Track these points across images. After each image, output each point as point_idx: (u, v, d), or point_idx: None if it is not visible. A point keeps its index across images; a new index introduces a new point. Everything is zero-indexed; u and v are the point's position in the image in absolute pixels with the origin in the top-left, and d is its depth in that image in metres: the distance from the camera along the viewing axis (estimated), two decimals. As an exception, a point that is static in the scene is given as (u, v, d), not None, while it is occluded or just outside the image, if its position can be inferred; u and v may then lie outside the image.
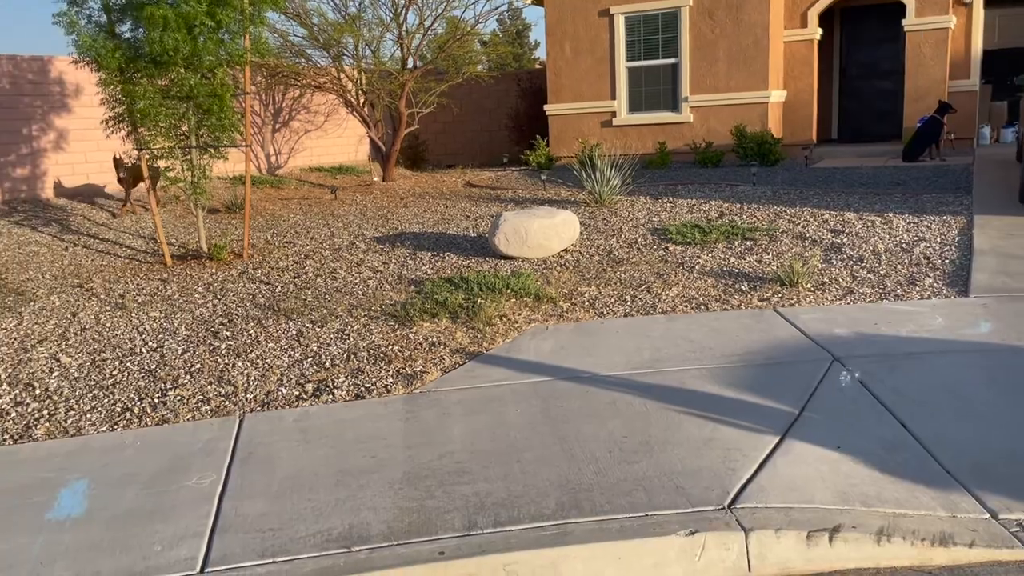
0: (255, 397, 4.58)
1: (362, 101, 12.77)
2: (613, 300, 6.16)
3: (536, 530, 3.02)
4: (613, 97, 13.33)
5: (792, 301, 5.90)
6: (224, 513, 3.23)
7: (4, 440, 4.13)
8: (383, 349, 5.23)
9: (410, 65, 12.92)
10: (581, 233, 8.25)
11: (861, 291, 6.02)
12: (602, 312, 5.92)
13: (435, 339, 5.39)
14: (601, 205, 9.55)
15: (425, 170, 14.86)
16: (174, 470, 3.65)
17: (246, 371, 4.96)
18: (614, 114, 13.38)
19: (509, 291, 6.26)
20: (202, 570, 2.83)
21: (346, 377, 4.80)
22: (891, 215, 8.26)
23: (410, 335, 5.48)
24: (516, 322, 5.73)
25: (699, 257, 7.18)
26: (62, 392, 4.74)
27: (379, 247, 8.25)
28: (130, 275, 7.63)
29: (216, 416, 4.33)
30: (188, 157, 7.91)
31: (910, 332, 5.02)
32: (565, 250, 7.68)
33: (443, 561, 2.85)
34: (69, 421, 4.33)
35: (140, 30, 7.28)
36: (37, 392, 4.77)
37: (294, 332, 5.66)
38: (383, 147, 12.88)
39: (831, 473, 3.40)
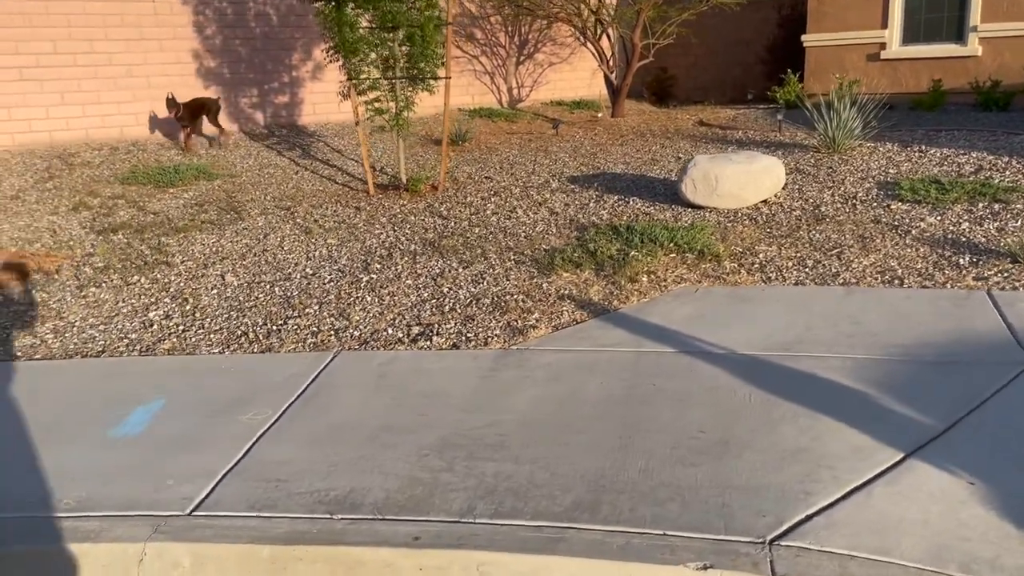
0: (360, 335, 4.54)
1: (598, 32, 12.25)
2: (790, 264, 5.34)
3: (532, 530, 2.64)
4: (884, 26, 11.58)
5: (1019, 284, 4.72)
6: (251, 454, 3.21)
7: (132, 351, 4.46)
8: (508, 297, 4.96)
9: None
10: (794, 182, 7.28)
11: (1120, 279, 4.67)
12: (770, 277, 5.15)
13: (567, 291, 5.01)
14: (833, 151, 8.36)
15: (671, 106, 14.07)
16: (241, 401, 3.71)
17: (369, 307, 4.95)
18: (883, 46, 11.63)
19: (672, 245, 5.65)
20: (190, 512, 2.81)
21: (455, 324, 4.61)
22: None
23: (544, 284, 5.15)
24: (664, 280, 5.16)
25: (923, 219, 6.00)
26: (205, 310, 5.05)
27: (570, 187, 7.90)
28: (334, 201, 7.99)
29: (316, 350, 4.36)
30: (392, 88, 8.03)
31: None
32: (764, 201, 6.81)
33: (415, 548, 2.58)
34: (193, 340, 4.59)
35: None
36: (187, 308, 5.12)
37: (437, 271, 5.56)
38: (614, 81, 12.31)
39: (941, 517, 2.62)
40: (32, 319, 5.05)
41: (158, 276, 5.79)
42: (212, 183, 8.89)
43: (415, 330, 4.57)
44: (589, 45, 12.38)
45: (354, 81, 7.98)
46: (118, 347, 4.59)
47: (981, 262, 5.09)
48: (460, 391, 3.72)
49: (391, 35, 7.82)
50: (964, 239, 5.53)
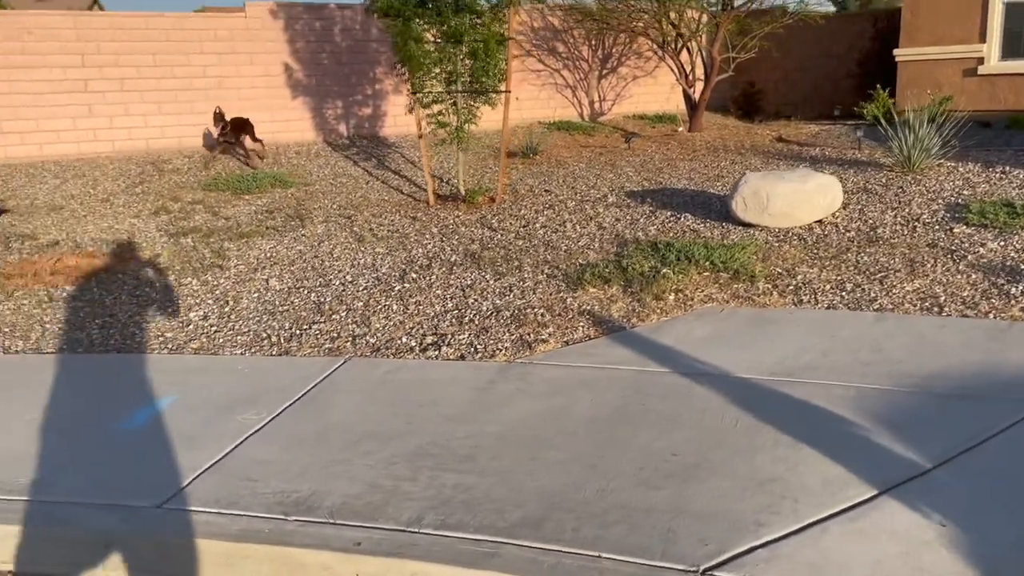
0: (375, 342, 4.66)
1: (677, 46, 12.10)
2: (828, 287, 5.15)
3: (471, 543, 2.65)
4: (982, 40, 10.98)
5: (1070, 316, 4.41)
6: (235, 453, 3.35)
7: (162, 350, 4.72)
8: (529, 311, 4.98)
9: (739, 2, 11.89)
10: (857, 202, 7.01)
11: None
12: (802, 300, 4.99)
13: (589, 307, 5.00)
14: (908, 171, 7.99)
15: (757, 121, 13.72)
16: (244, 401, 3.87)
17: (392, 315, 5.07)
18: (980, 60, 11.03)
19: (707, 263, 5.54)
20: (159, 505, 2.96)
21: (468, 335, 4.66)
22: None
23: (568, 299, 5.15)
24: (691, 299, 5.07)
25: (984, 245, 5.68)
26: (241, 313, 5.28)
27: (627, 202, 7.85)
28: (395, 211, 8.20)
29: (330, 355, 4.50)
30: (454, 101, 8.18)
31: None
32: (819, 221, 6.58)
33: (355, 554, 2.64)
34: (220, 341, 4.81)
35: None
36: (225, 310, 5.37)
37: (468, 282, 5.63)
38: (693, 96, 12.12)
39: (896, 559, 2.48)
40: (84, 316, 5.40)
41: (209, 279, 6.09)
42: (286, 191, 9.26)
43: (428, 340, 4.65)
44: (668, 59, 12.24)
45: (418, 95, 8.17)
46: (152, 344, 4.85)
47: (1035, 292, 4.78)
48: (452, 402, 3.76)
49: (455, 49, 7.96)
50: None
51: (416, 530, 2.73)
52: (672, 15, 11.48)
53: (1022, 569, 2.42)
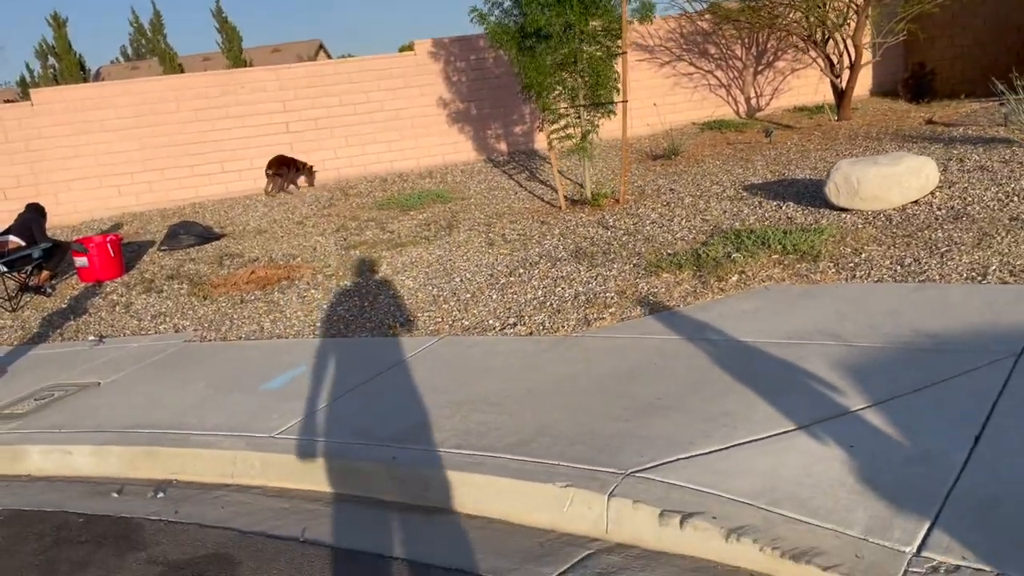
0: (469, 324, 5.66)
1: (821, 36, 12.15)
2: (888, 263, 5.49)
3: (468, 457, 3.56)
4: None
5: (1110, 278, 4.54)
6: (331, 406, 4.46)
7: (309, 335, 6.00)
8: (602, 295, 5.76)
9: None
10: (966, 180, 7.07)
11: None
12: (856, 276, 5.39)
13: (655, 290, 5.69)
14: (1040, 147, 7.82)
15: (926, 102, 13.30)
16: (353, 370, 5.00)
17: (489, 303, 6.04)
18: None
19: (779, 246, 6.03)
20: (273, 435, 4.12)
21: (544, 316, 5.53)
22: None
23: (641, 284, 5.87)
24: (752, 280, 5.62)
25: (1071, 215, 5.71)
26: (375, 306, 6.48)
27: (742, 195, 8.32)
28: (530, 217, 9.19)
29: (430, 335, 5.55)
30: (577, 115, 9.04)
31: None
32: (915, 202, 6.77)
33: (391, 464, 3.63)
34: (353, 327, 6.02)
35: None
36: (364, 304, 6.59)
37: (563, 274, 6.49)
38: (840, 85, 12.09)
39: (791, 468, 3.09)
40: (262, 313, 6.86)
41: (360, 281, 7.39)
42: (445, 206, 10.54)
43: (511, 320, 5.57)
44: (812, 52, 12.31)
45: (545, 111, 9.12)
46: (302, 331, 6.16)
47: (1092, 257, 4.88)
48: (503, 366, 4.67)
49: (566, 73, 8.80)
50: (1096, 234, 5.25)
51: (436, 449, 3.67)
52: (813, 8, 11.58)
53: (897, 478, 2.92)
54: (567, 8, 8.24)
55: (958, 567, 2.46)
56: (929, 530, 2.63)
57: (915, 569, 2.49)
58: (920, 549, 2.56)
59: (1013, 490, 2.75)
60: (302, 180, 12.36)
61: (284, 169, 12.13)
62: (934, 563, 2.50)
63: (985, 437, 3.10)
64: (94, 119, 11.54)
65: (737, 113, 14.48)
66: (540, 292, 6.12)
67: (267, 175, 12.10)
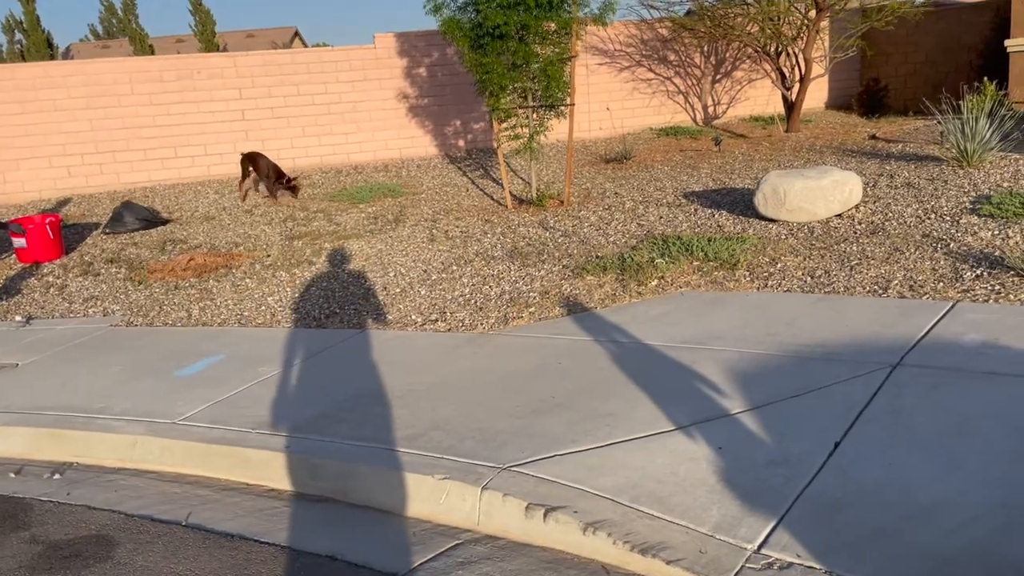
0: (391, 319, 5.74)
1: (774, 49, 12.38)
2: (800, 274, 5.66)
3: (361, 448, 3.65)
4: (1098, 24, 10.49)
5: (1003, 297, 4.74)
6: (241, 392, 4.53)
7: (237, 324, 6.05)
8: (526, 294, 5.87)
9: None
10: (890, 196, 7.29)
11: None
12: (768, 285, 5.55)
13: (577, 292, 5.82)
14: (967, 164, 8.06)
15: (876, 118, 13.58)
16: (266, 360, 5.07)
17: (416, 299, 6.13)
18: (1096, 46, 10.53)
19: (701, 254, 6.19)
20: (175, 422, 4.19)
21: (465, 313, 5.64)
22: None
23: (565, 285, 5.99)
24: (670, 285, 5.76)
25: (976, 234, 5.92)
26: (306, 298, 6.54)
27: (680, 202, 8.48)
28: (475, 214, 9.28)
29: (353, 328, 5.63)
30: (526, 115, 9.15)
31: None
32: (839, 215, 6.96)
33: (280, 452, 3.71)
34: (278, 318, 6.08)
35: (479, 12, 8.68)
36: (295, 296, 6.65)
37: (494, 273, 6.60)
38: (789, 98, 12.33)
39: (659, 467, 3.22)
40: (192, 300, 6.89)
41: (297, 272, 7.44)
42: (396, 200, 10.60)
43: (433, 316, 5.67)
44: (766, 64, 12.53)
45: (495, 111, 9.22)
46: (228, 320, 6.21)
47: (988, 275, 5.08)
48: (415, 361, 4.76)
49: (517, 72, 8.90)
50: (997, 254, 5.45)
51: (331, 440, 3.76)
52: (767, 21, 11.80)
53: (757, 479, 3.07)
54: (523, 9, 8.34)
55: (791, 564, 2.60)
56: (773, 529, 2.77)
57: (751, 565, 2.63)
58: (761, 547, 2.70)
59: (857, 493, 2.91)
60: (286, 196, 11.02)
61: (263, 169, 10.88)
62: (770, 560, 2.64)
63: (845, 443, 3.25)
64: (45, 98, 11.45)
65: (694, 120, 14.68)
66: (468, 289, 6.22)
67: (243, 173, 11.04)
